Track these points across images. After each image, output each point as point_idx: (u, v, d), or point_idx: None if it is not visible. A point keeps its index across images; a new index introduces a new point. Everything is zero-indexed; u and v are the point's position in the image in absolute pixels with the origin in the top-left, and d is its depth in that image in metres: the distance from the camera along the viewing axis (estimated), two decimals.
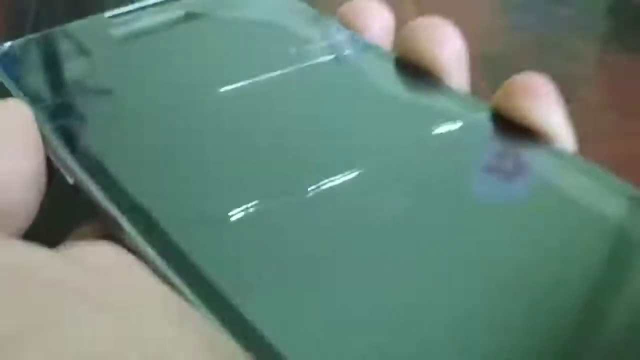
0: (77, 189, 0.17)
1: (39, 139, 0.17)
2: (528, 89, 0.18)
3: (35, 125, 0.18)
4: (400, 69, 0.20)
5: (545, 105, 0.18)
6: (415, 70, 0.19)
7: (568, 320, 0.13)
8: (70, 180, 0.17)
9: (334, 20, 0.22)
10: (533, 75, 0.18)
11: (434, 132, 0.17)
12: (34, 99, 0.19)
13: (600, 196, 0.16)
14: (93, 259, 0.14)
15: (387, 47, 0.21)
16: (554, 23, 0.44)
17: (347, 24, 0.21)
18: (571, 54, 0.41)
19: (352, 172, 0.16)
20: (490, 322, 0.13)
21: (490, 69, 0.38)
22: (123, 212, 0.15)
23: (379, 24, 0.21)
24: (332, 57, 0.20)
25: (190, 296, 0.13)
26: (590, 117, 0.36)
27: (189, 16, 0.22)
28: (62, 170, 0.17)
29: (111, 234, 0.16)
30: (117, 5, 0.22)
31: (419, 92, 0.19)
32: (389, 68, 0.20)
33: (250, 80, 0.19)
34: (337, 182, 0.16)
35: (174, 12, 0.22)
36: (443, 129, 0.17)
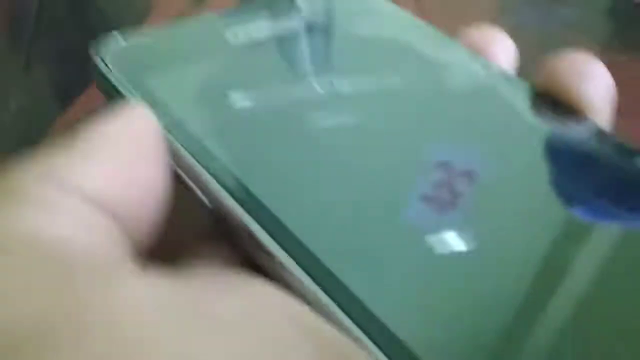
0: (216, 215, 0.15)
1: (166, 152, 0.16)
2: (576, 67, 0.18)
3: (163, 136, 0.16)
4: (541, 101, 0.19)
5: (592, 83, 0.18)
6: (554, 103, 0.18)
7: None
8: (209, 204, 0.15)
9: (459, 43, 0.20)
10: (580, 53, 0.18)
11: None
12: (157, 106, 0.16)
13: None
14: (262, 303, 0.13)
15: None
16: (554, 23, 0.44)
17: (471, 49, 0.20)
18: None
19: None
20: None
21: None
22: (287, 250, 0.14)
23: (505, 54, 0.20)
24: (470, 83, 0.19)
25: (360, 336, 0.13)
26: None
27: (311, 26, 0.21)
28: (197, 191, 0.15)
29: (253, 260, 0.14)
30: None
31: (560, 127, 0.18)
32: (529, 99, 0.19)
33: (384, 102, 0.18)
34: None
35: (291, 20, 0.21)
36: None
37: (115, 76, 0.18)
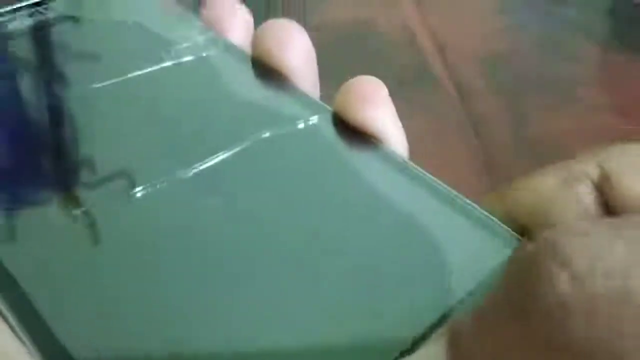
0: None
1: None
2: (361, 93, 0.19)
3: None
4: (254, 70, 0.20)
5: (376, 109, 0.18)
6: (266, 71, 0.20)
7: None
8: None
9: (198, 20, 0.22)
10: (367, 79, 0.19)
11: (270, 133, 0.18)
12: None
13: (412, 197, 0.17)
14: None
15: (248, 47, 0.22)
16: (554, 23, 0.44)
17: (210, 25, 0.22)
18: (571, 54, 0.41)
19: (187, 171, 0.17)
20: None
21: (490, 69, 0.38)
22: None
23: (240, 26, 0.22)
24: (192, 57, 0.21)
25: None
26: (590, 117, 0.36)
27: (59, 19, 0.22)
28: None
29: None
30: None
31: (265, 93, 0.20)
32: (243, 69, 0.20)
33: (114, 80, 0.19)
34: (170, 180, 0.16)
35: (43, 15, 0.22)
36: (280, 129, 0.18)
37: None
